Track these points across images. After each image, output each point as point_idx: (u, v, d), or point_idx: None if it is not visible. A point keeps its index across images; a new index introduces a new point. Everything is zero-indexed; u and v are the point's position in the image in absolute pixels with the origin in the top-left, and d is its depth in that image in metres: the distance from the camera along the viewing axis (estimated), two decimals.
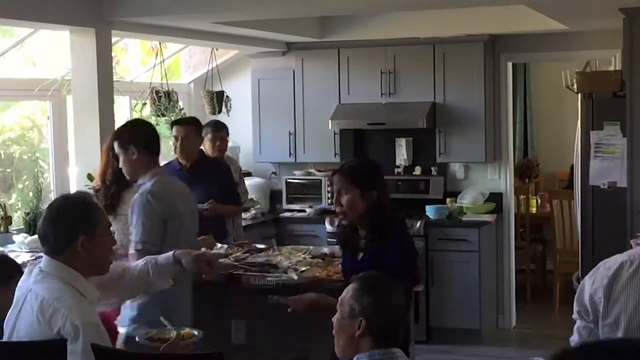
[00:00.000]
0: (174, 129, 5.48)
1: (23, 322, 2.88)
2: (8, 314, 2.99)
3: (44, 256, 2.97)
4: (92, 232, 2.92)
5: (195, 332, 3.18)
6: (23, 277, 3.02)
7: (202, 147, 5.70)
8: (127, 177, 4.03)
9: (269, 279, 4.29)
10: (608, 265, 2.16)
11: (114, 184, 4.35)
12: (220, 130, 6.01)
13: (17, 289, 3.00)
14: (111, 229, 3.41)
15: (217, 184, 5.45)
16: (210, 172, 5.49)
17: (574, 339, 2.19)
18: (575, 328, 2.20)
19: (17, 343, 2.93)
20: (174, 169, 5.31)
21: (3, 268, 3.55)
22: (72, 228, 2.90)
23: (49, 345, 2.81)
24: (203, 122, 6.56)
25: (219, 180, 5.53)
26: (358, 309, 2.55)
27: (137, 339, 3.13)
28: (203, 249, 4.61)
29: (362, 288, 2.60)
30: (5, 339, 2.97)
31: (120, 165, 3.98)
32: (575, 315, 2.19)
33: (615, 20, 5.58)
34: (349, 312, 2.58)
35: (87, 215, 2.94)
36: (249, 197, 6.58)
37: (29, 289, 2.90)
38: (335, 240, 4.60)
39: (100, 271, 3.01)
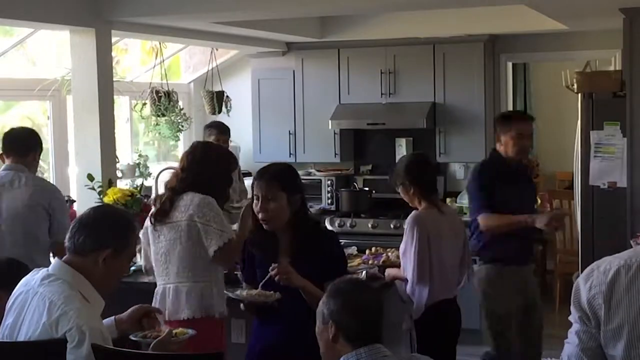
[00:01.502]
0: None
1: (27, 323, 2.86)
2: (5, 315, 2.96)
3: (54, 260, 2.96)
4: (120, 250, 2.92)
5: (189, 331, 3.16)
6: (27, 277, 3.00)
7: None
8: None
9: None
10: (602, 269, 2.10)
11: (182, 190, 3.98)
12: (224, 134, 5.99)
13: (17, 290, 2.98)
14: (159, 236, 3.75)
15: None
16: None
17: (573, 342, 2.15)
18: (573, 332, 2.15)
19: (17, 343, 2.91)
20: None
21: (16, 273, 3.52)
22: (105, 237, 2.90)
23: (49, 345, 2.80)
24: (203, 123, 6.58)
25: None
26: (327, 313, 2.58)
27: (131, 337, 3.12)
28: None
29: (329, 293, 2.63)
30: (2, 333, 2.95)
31: None
32: (574, 319, 2.14)
33: (615, 20, 5.58)
34: (321, 319, 2.62)
35: (125, 233, 2.97)
36: (249, 196, 6.57)
37: (35, 291, 2.87)
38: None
39: (105, 291, 2.98)
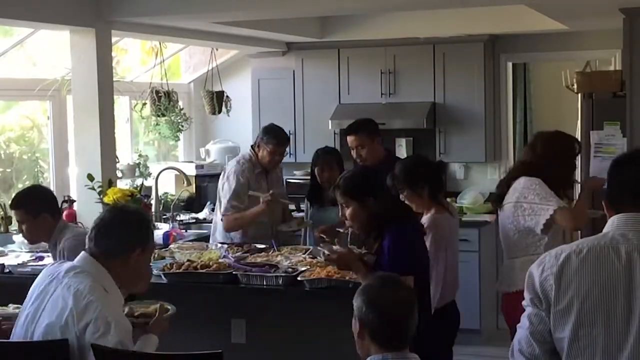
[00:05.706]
0: (347, 138, 5.27)
1: (49, 309, 2.93)
2: (27, 303, 3.03)
3: (82, 253, 3.05)
4: (146, 248, 3.07)
5: (169, 307, 3.30)
6: (51, 268, 3.10)
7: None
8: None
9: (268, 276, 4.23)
10: (554, 253, 2.22)
11: None
12: (282, 145, 5.35)
13: (41, 279, 3.06)
14: None
15: None
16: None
17: (524, 325, 2.25)
18: (526, 315, 2.25)
19: (17, 343, 2.96)
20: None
21: (36, 201, 4.17)
22: (132, 238, 3.03)
23: (49, 345, 2.83)
24: (203, 123, 6.56)
25: None
26: (355, 308, 2.62)
27: None
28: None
29: (359, 289, 2.66)
30: (23, 322, 3.00)
31: None
32: (527, 303, 2.25)
33: (615, 20, 5.58)
34: (353, 314, 2.64)
35: (147, 231, 3.12)
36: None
37: (59, 281, 2.96)
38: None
39: (135, 287, 3.14)
